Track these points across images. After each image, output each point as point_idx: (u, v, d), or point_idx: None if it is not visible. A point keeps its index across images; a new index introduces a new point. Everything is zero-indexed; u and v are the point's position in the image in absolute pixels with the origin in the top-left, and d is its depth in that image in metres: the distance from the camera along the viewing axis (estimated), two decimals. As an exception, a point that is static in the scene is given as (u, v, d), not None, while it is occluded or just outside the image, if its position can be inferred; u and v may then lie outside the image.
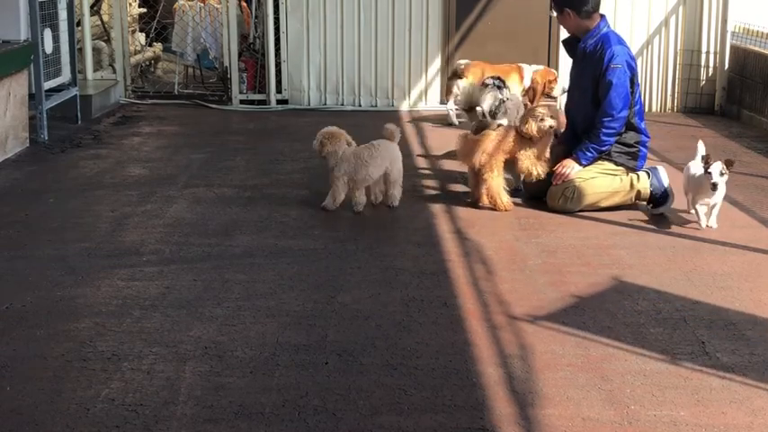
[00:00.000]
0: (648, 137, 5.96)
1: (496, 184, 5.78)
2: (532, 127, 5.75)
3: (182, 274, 4.65)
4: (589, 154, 5.77)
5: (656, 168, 5.92)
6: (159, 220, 5.57)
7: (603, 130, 5.71)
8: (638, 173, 5.84)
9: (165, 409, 3.27)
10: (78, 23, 9.24)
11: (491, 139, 5.81)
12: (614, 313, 4.20)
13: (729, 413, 3.30)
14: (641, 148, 5.89)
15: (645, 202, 5.85)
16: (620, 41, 5.85)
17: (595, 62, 5.77)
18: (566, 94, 8.32)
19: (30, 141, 7.50)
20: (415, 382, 3.49)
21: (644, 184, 5.81)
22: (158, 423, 3.18)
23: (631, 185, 5.82)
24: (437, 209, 5.87)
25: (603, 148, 5.78)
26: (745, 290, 4.51)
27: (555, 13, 6.13)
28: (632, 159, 5.85)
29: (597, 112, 5.74)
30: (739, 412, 3.31)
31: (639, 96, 5.90)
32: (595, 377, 3.56)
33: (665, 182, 5.82)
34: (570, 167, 5.78)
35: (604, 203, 5.77)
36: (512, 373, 3.58)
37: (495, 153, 5.77)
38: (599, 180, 5.77)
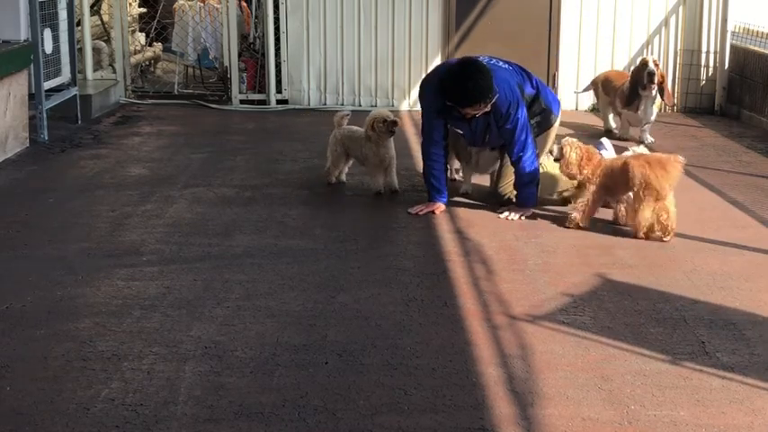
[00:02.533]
0: (555, 97, 6.13)
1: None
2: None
3: (182, 274, 4.65)
4: (531, 195, 5.74)
5: (600, 142, 6.11)
6: (159, 220, 5.57)
7: (525, 163, 5.64)
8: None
9: (165, 409, 3.28)
10: (78, 23, 9.24)
11: None
12: (614, 313, 4.20)
13: (729, 413, 3.30)
14: (547, 103, 5.95)
15: None
16: (501, 90, 5.56)
17: (497, 118, 5.65)
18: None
19: (30, 141, 7.50)
20: (415, 382, 3.49)
21: None
22: (158, 423, 3.18)
23: None
24: (437, 209, 5.87)
25: (537, 174, 5.71)
26: (745, 290, 4.51)
27: (483, 109, 5.52)
28: (548, 116, 5.97)
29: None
30: (739, 412, 3.31)
31: (534, 86, 5.89)
32: (595, 377, 3.56)
33: (612, 153, 5.98)
34: (518, 213, 5.68)
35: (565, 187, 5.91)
36: (512, 373, 3.58)
37: None
38: (549, 162, 5.91)
